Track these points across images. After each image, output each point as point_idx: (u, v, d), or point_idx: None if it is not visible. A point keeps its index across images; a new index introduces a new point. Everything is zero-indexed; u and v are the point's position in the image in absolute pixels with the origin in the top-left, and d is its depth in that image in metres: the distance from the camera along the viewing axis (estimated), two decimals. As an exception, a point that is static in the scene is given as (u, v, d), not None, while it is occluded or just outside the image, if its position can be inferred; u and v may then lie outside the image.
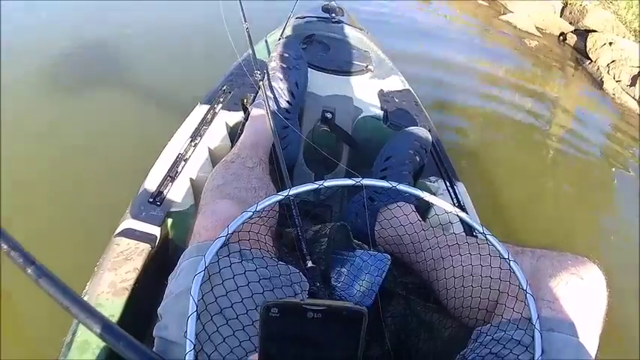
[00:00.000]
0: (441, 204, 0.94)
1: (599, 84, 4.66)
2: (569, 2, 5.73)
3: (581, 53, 5.20)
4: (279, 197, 0.88)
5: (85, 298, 1.07)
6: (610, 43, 4.94)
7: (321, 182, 0.88)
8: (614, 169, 3.48)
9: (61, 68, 2.95)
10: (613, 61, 4.80)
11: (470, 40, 4.98)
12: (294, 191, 0.88)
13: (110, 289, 1.10)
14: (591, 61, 4.98)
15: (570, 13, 5.64)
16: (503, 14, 5.59)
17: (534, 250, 1.00)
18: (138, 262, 1.16)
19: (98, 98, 2.75)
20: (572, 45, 5.39)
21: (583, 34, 5.37)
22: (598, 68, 4.81)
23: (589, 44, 5.09)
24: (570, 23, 5.60)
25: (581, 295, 0.87)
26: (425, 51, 4.20)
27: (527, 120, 3.72)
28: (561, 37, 5.56)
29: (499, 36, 5.18)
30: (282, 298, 0.49)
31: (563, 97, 4.47)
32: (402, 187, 0.93)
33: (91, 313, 0.80)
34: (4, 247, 0.85)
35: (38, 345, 1.60)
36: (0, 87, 2.56)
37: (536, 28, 5.47)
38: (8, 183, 2.05)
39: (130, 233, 1.24)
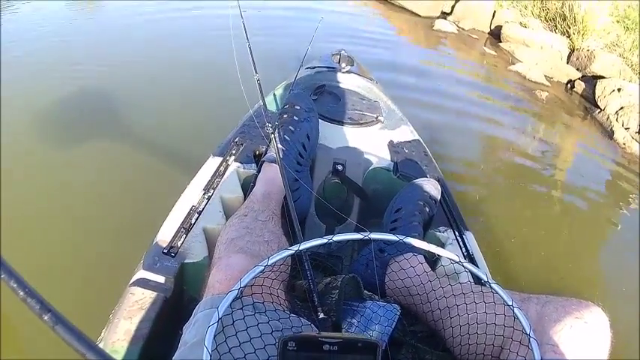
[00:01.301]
0: (447, 255, 0.97)
1: (609, 134, 4.54)
2: (575, 48, 5.71)
3: (589, 101, 5.11)
4: (291, 252, 0.90)
5: (101, 345, 1.08)
6: (618, 89, 4.85)
7: (330, 237, 0.91)
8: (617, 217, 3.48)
9: (69, 114, 3.02)
10: (621, 107, 4.70)
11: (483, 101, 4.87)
12: (304, 246, 0.91)
13: (126, 336, 1.12)
14: (600, 109, 4.87)
15: (577, 59, 5.55)
16: (512, 64, 5.57)
17: (540, 296, 1.02)
18: (153, 312, 1.18)
19: (107, 148, 2.78)
20: (580, 93, 5.31)
21: (590, 80, 5.28)
22: (608, 117, 4.70)
23: (597, 91, 4.99)
24: (577, 69, 5.53)
25: (584, 339, 0.89)
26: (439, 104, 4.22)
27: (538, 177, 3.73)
28: (569, 86, 5.48)
29: (510, 87, 5.15)
30: (299, 333, 0.51)
31: (571, 149, 4.43)
32: (409, 240, 0.95)
33: (107, 360, 0.82)
34: (21, 294, 0.88)
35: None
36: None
37: (545, 77, 5.42)
38: (20, 231, 2.08)
39: (144, 283, 1.25)
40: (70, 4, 4.85)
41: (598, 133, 4.61)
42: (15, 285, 0.90)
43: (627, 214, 3.49)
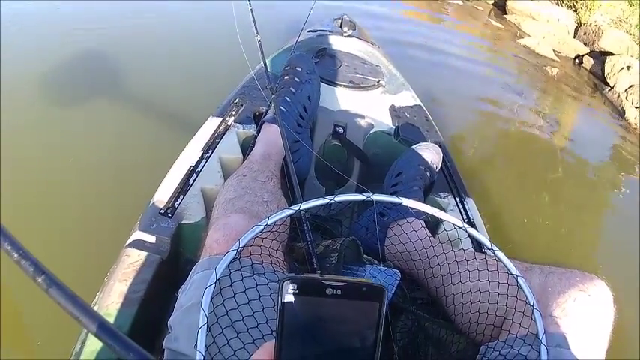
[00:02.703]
0: (451, 220, 0.95)
1: (620, 112, 4.46)
2: (582, 22, 5.63)
3: (598, 78, 5.04)
4: (290, 211, 0.88)
5: (95, 308, 1.07)
6: (628, 67, 4.78)
7: (332, 197, 0.88)
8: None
9: (69, 76, 2.99)
10: (631, 85, 4.63)
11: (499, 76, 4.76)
12: (305, 206, 0.88)
13: (120, 299, 1.10)
14: (610, 87, 4.80)
15: (585, 34, 5.50)
16: (520, 37, 5.48)
17: (543, 266, 1.00)
18: (148, 274, 1.16)
19: (106, 109, 2.75)
20: (589, 69, 5.24)
21: (598, 56, 5.23)
22: (618, 96, 4.63)
23: (607, 69, 4.93)
24: (585, 44, 5.47)
25: (588, 312, 0.88)
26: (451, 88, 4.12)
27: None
28: (577, 61, 5.42)
29: (520, 61, 5.05)
30: (300, 275, 0.48)
31: (582, 127, 4.34)
32: (411, 202, 0.93)
33: (100, 323, 0.80)
34: (15, 255, 0.86)
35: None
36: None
37: (554, 51, 5.35)
38: (17, 194, 2.06)
39: (140, 244, 1.24)
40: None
41: (608, 111, 4.53)
42: (9, 247, 0.88)
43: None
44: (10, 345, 1.59)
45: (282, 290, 0.48)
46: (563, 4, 6.03)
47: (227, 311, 0.82)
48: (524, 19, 5.81)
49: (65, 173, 2.28)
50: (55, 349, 1.46)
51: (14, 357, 1.59)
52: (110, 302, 1.10)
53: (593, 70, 5.17)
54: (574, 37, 5.61)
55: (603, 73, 4.96)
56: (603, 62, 5.03)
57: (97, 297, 1.14)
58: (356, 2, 5.04)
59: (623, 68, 4.80)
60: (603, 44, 5.26)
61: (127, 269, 1.17)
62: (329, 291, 0.47)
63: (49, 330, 1.57)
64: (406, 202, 0.92)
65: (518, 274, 0.87)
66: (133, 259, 1.19)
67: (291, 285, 0.48)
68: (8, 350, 1.57)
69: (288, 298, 0.47)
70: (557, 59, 5.18)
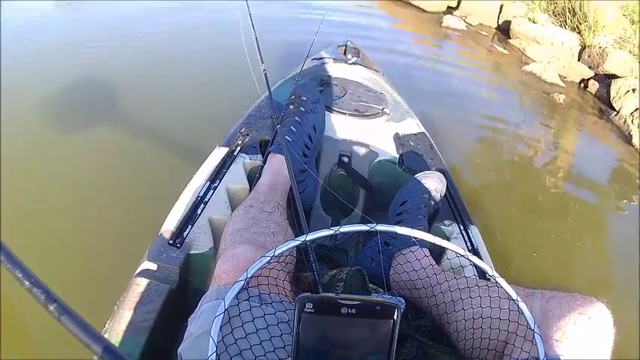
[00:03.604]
0: (453, 248, 0.96)
1: (627, 138, 4.32)
2: (587, 44, 5.60)
3: (604, 102, 4.95)
4: (297, 242, 0.89)
5: (105, 336, 1.08)
6: (633, 90, 4.68)
7: (337, 228, 0.90)
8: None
9: (74, 101, 3.04)
10: (636, 109, 4.52)
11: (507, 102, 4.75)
12: (311, 237, 0.90)
13: (130, 328, 1.12)
14: (616, 112, 4.69)
15: (589, 56, 5.38)
16: (526, 64, 5.43)
17: (544, 291, 1.01)
18: (158, 303, 1.18)
19: (111, 138, 2.77)
20: (594, 93, 5.15)
21: (604, 79, 5.14)
22: (625, 121, 4.51)
23: (612, 92, 4.83)
24: (590, 67, 5.37)
25: (588, 334, 0.89)
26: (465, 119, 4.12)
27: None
28: (582, 85, 5.34)
29: (526, 89, 4.99)
30: (317, 294, 0.50)
31: (590, 153, 4.27)
32: (415, 232, 0.95)
33: (111, 351, 0.82)
34: (27, 284, 0.88)
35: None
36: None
37: (560, 76, 5.27)
38: (26, 220, 2.09)
39: (149, 274, 1.25)
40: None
41: (614, 137, 4.42)
42: (20, 275, 0.90)
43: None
44: (10, 345, 1.60)
45: (298, 309, 0.49)
46: (567, 27, 6.02)
47: (235, 340, 0.84)
48: (528, 43, 5.78)
49: (73, 201, 2.29)
50: (55, 349, 1.47)
51: (14, 357, 1.60)
52: (120, 331, 1.11)
53: (599, 94, 5.07)
54: (578, 60, 5.52)
55: (609, 97, 4.87)
56: (609, 85, 4.94)
57: (107, 325, 1.16)
58: (358, 30, 5.09)
59: (628, 91, 4.74)
60: (608, 67, 5.15)
61: (136, 298, 1.18)
62: (344, 310, 0.49)
63: (50, 332, 1.58)
64: (410, 232, 0.94)
65: (518, 299, 0.88)
66: (142, 288, 1.21)
67: (307, 304, 0.49)
68: (8, 350, 1.59)
69: (305, 316, 0.49)
70: (563, 84, 5.09)
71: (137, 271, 1.27)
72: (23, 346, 1.68)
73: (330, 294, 0.51)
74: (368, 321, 0.50)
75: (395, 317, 0.50)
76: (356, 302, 0.49)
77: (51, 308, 0.85)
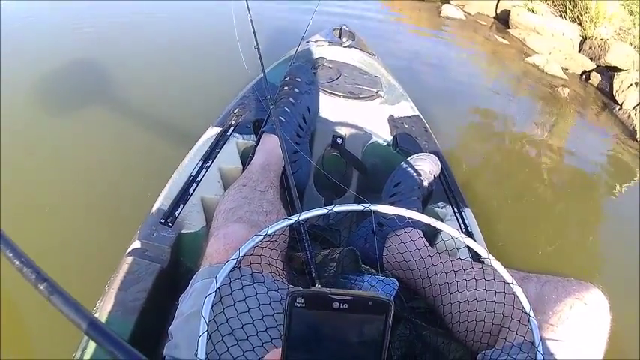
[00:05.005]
0: (448, 230, 0.95)
1: (631, 133, 4.23)
2: (587, 36, 5.54)
3: (606, 95, 4.87)
4: (290, 221, 0.89)
5: (96, 316, 1.08)
6: (636, 84, 4.62)
7: (331, 207, 0.89)
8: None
9: (67, 83, 3.02)
10: (639, 103, 4.46)
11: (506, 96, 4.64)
12: (304, 216, 0.89)
13: (121, 307, 1.11)
14: (620, 105, 4.61)
15: (590, 48, 5.33)
16: (527, 55, 5.35)
17: (539, 275, 1.01)
18: (149, 282, 1.17)
19: (104, 117, 2.76)
20: (596, 86, 5.06)
21: (605, 72, 5.08)
22: (629, 115, 4.43)
23: (615, 86, 4.76)
24: (591, 59, 5.30)
25: (584, 319, 0.89)
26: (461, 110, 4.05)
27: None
28: (584, 77, 5.26)
29: (530, 82, 4.92)
30: (308, 289, 0.49)
31: (594, 148, 4.15)
32: (409, 213, 0.94)
33: (102, 330, 0.81)
34: (17, 263, 0.87)
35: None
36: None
37: (562, 68, 5.18)
38: (18, 201, 2.07)
39: (141, 253, 1.24)
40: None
41: (618, 132, 4.33)
42: (11, 254, 0.89)
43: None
44: (10, 345, 1.59)
45: (289, 303, 0.48)
46: (567, 17, 5.96)
47: (227, 319, 0.83)
48: (528, 33, 5.70)
49: (63, 181, 2.28)
50: (55, 349, 1.47)
51: (14, 357, 1.60)
52: (111, 310, 1.10)
53: (601, 86, 4.98)
54: (579, 52, 5.44)
55: (611, 91, 4.81)
56: (611, 78, 4.89)
57: (97, 305, 1.15)
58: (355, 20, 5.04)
59: (631, 85, 4.68)
60: (609, 59, 5.10)
61: (127, 277, 1.18)
62: (335, 305, 0.48)
63: (49, 331, 1.57)
64: (404, 212, 0.93)
65: (514, 282, 0.88)
66: (134, 267, 1.20)
67: (298, 299, 0.48)
68: (8, 350, 1.58)
69: (295, 311, 0.48)
70: (566, 77, 4.98)
71: (128, 250, 1.27)
72: (23, 346, 1.67)
73: (322, 288, 0.50)
74: (360, 316, 0.49)
75: (388, 313, 0.49)
76: (348, 297, 0.48)
77: (41, 287, 0.85)
